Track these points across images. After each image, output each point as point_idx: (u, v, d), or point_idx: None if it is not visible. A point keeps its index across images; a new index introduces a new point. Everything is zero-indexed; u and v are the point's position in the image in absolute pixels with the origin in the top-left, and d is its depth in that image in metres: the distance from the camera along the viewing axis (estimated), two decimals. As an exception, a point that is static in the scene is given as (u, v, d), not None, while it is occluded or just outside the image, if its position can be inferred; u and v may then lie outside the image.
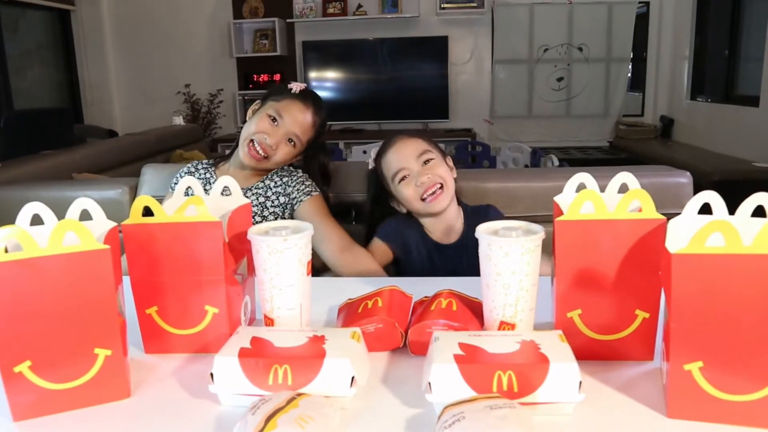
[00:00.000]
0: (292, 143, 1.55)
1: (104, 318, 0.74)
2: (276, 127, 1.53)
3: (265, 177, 1.60)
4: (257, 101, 1.64)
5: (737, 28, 4.66)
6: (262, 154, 1.53)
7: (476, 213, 1.50)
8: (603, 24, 5.52)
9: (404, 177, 1.41)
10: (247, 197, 1.55)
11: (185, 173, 1.66)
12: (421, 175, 1.39)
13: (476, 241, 1.49)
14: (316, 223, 1.36)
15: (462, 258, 1.45)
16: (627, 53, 5.58)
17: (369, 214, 1.57)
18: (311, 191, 1.57)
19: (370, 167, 1.52)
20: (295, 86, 1.60)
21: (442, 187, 1.40)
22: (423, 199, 1.40)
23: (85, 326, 0.73)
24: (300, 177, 1.59)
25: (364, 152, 4.09)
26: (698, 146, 4.88)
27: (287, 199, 1.57)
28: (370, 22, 5.56)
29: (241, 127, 1.63)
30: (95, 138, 4.35)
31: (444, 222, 1.47)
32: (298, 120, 1.55)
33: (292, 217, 1.57)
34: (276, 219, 1.56)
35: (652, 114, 5.76)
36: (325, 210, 1.55)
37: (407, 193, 1.41)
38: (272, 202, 1.57)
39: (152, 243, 0.85)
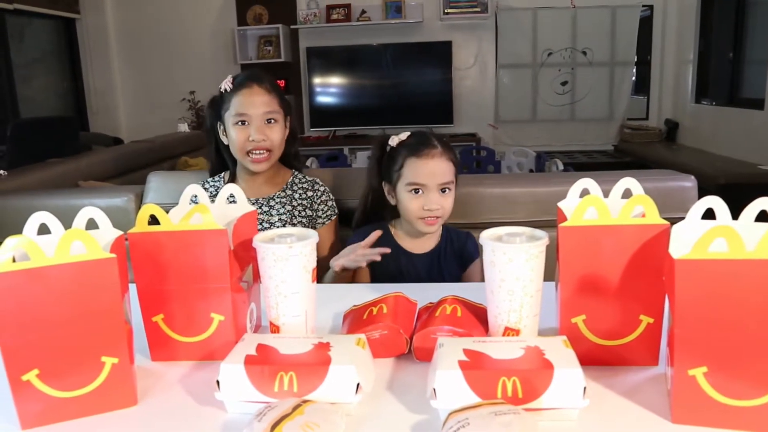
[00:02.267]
0: (272, 121, 1.56)
1: (111, 326, 0.75)
2: (249, 125, 1.53)
3: (285, 186, 1.63)
4: (219, 122, 1.61)
5: (742, 31, 4.66)
6: (265, 153, 1.55)
7: (455, 235, 1.52)
8: (607, 28, 5.52)
9: (418, 191, 1.41)
10: (271, 206, 1.58)
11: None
12: (433, 202, 1.39)
13: (447, 254, 1.48)
14: (332, 243, 1.61)
15: (430, 268, 1.48)
16: (631, 57, 5.58)
17: (367, 197, 1.56)
18: (332, 214, 1.65)
19: (390, 142, 1.47)
20: (225, 84, 1.59)
21: (440, 218, 1.43)
22: (420, 218, 1.41)
23: (92, 334, 0.74)
24: (323, 194, 1.64)
25: (369, 158, 4.08)
26: (703, 149, 4.87)
27: (313, 213, 1.62)
28: (373, 28, 5.58)
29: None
30: (101, 145, 4.37)
31: (424, 236, 1.49)
32: (255, 102, 1.54)
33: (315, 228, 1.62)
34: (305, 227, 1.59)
35: (656, 117, 5.75)
36: (336, 234, 1.66)
37: (411, 205, 1.41)
38: (299, 212, 1.61)
39: (158, 251, 0.86)
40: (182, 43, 5.80)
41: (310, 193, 1.62)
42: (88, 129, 5.57)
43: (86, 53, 5.65)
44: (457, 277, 1.51)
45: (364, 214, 1.57)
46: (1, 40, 4.64)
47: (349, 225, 1.75)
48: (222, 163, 1.68)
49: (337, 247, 1.59)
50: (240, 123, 1.53)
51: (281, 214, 1.59)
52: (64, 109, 5.51)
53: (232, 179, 1.66)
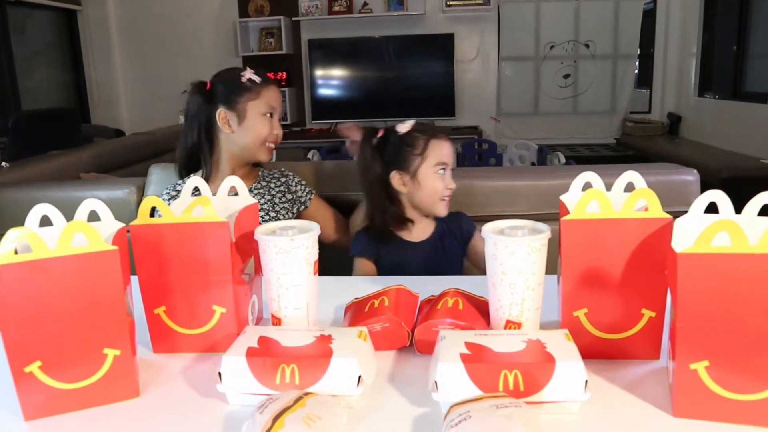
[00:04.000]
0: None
1: (113, 318, 0.75)
2: (272, 119, 1.61)
3: (258, 179, 1.67)
4: (220, 109, 1.58)
5: (745, 24, 4.63)
6: (274, 145, 1.64)
7: (448, 217, 1.53)
8: (610, 20, 5.49)
9: (444, 171, 1.45)
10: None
11: (168, 198, 1.66)
12: (452, 181, 1.46)
13: (447, 235, 1.50)
14: (329, 214, 1.70)
15: (435, 252, 1.50)
16: (634, 50, 5.55)
17: (376, 192, 1.49)
18: (311, 191, 1.72)
19: (399, 130, 1.46)
20: (251, 74, 1.60)
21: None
22: (441, 198, 1.45)
23: (94, 326, 0.74)
24: (294, 177, 1.71)
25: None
26: (706, 143, 4.85)
27: (293, 196, 1.67)
28: (375, 20, 5.56)
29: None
30: (102, 138, 4.37)
31: (424, 221, 1.51)
32: (280, 101, 1.64)
33: (299, 213, 1.67)
34: (287, 214, 1.65)
35: (659, 111, 5.73)
36: (324, 205, 1.73)
37: (437, 185, 1.44)
38: (279, 199, 1.65)
39: (160, 243, 0.86)
40: (183, 35, 5.78)
41: (283, 179, 1.69)
42: (90, 121, 5.56)
43: (87, 45, 5.63)
44: (462, 255, 1.54)
45: (375, 213, 1.50)
46: (3, 32, 4.63)
47: (348, 217, 1.76)
48: (196, 161, 1.65)
49: (337, 217, 1.69)
50: (269, 115, 1.60)
51: (262, 204, 1.62)
52: (65, 101, 5.50)
53: (207, 178, 1.61)
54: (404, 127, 1.47)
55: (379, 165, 1.47)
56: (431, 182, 1.44)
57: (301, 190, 1.69)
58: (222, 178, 1.58)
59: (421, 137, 1.45)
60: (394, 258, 1.47)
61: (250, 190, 1.63)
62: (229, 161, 1.62)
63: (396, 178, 1.46)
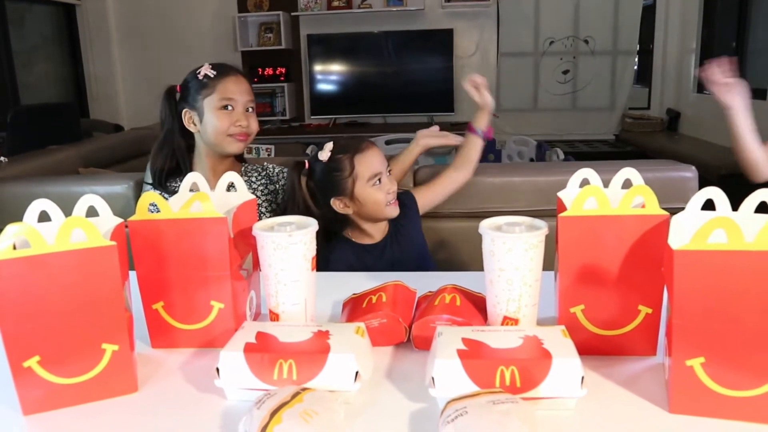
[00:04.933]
0: (250, 109, 1.62)
1: (111, 313, 0.75)
2: (234, 111, 1.58)
3: (241, 173, 1.68)
4: (185, 110, 1.60)
5: (745, 20, 4.63)
6: (245, 135, 1.60)
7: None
8: (609, 16, 5.49)
9: (380, 181, 1.45)
10: None
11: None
12: (391, 185, 1.46)
13: (399, 226, 1.52)
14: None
15: (395, 247, 1.52)
16: (633, 46, 5.55)
17: (325, 218, 1.49)
18: (284, 167, 1.70)
19: (321, 158, 1.45)
20: (207, 69, 1.60)
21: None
22: (387, 204, 1.46)
23: (93, 322, 0.74)
24: (275, 168, 1.71)
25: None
26: (705, 139, 4.86)
27: (276, 186, 1.68)
28: (375, 15, 5.55)
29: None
30: (101, 132, 4.36)
31: (381, 224, 1.53)
32: (241, 90, 1.60)
33: (284, 200, 1.62)
34: (271, 204, 1.66)
35: (658, 107, 5.73)
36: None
37: (378, 197, 1.44)
38: (261, 191, 1.66)
39: (158, 239, 0.86)
40: (182, 30, 5.77)
41: (264, 172, 1.69)
42: (89, 115, 5.55)
43: (86, 39, 5.62)
44: (419, 226, 1.59)
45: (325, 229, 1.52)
46: (1, 26, 4.61)
47: None
48: (174, 167, 1.64)
49: None
50: (225, 107, 1.57)
51: None
52: (64, 95, 5.49)
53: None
54: (325, 153, 1.45)
55: (318, 195, 1.49)
56: (371, 196, 1.44)
57: (280, 174, 1.69)
58: (204, 174, 1.60)
59: (344, 158, 1.43)
60: (367, 264, 1.48)
61: None
62: (207, 158, 1.63)
63: (337, 204, 1.47)
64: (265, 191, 1.67)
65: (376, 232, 1.53)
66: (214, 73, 1.59)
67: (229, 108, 1.57)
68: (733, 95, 1.66)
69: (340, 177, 1.44)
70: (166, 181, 1.63)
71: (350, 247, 1.51)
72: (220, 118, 1.56)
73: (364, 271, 1.35)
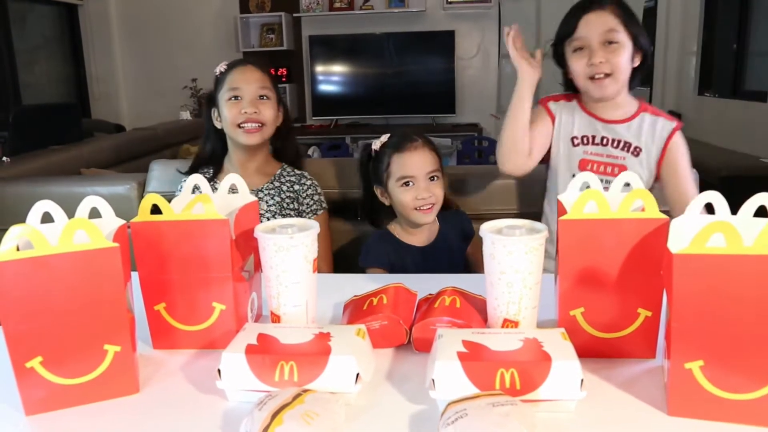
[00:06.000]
0: (264, 97, 1.60)
1: (113, 314, 0.75)
2: (242, 100, 1.58)
3: (273, 179, 1.65)
4: (213, 109, 1.65)
5: (746, 22, 4.63)
6: (257, 125, 1.58)
7: (448, 215, 1.57)
8: (610, 18, 5.49)
9: (408, 183, 1.46)
10: (260, 198, 1.60)
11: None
12: (424, 191, 1.45)
13: (449, 242, 1.52)
14: (322, 241, 1.47)
15: (435, 258, 1.52)
16: (634, 48, 5.54)
17: (365, 201, 1.61)
18: (318, 209, 1.66)
19: (374, 146, 1.53)
20: (219, 67, 1.64)
21: (434, 204, 1.47)
22: (416, 209, 1.46)
23: (95, 323, 0.74)
24: (309, 188, 1.66)
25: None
26: (705, 141, 4.85)
27: (299, 207, 1.65)
28: (376, 17, 5.55)
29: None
30: (103, 132, 4.37)
31: (424, 227, 1.53)
32: (248, 78, 1.59)
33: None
34: (286, 217, 1.62)
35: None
36: (324, 228, 1.64)
37: (404, 198, 1.46)
38: (287, 204, 1.63)
39: (160, 240, 0.86)
40: (184, 30, 5.78)
41: (296, 187, 1.65)
42: (90, 116, 5.56)
43: (88, 39, 5.63)
44: (463, 250, 1.58)
45: (365, 211, 1.63)
46: (3, 26, 4.62)
47: (348, 215, 1.76)
48: (209, 158, 1.70)
49: (324, 241, 1.61)
50: (233, 98, 1.58)
51: (270, 206, 1.61)
52: (65, 95, 5.51)
53: (218, 172, 1.68)
54: (377, 143, 1.52)
55: (366, 180, 1.56)
56: (398, 196, 1.48)
57: (307, 204, 1.65)
58: (233, 170, 1.64)
59: (386, 153, 1.49)
60: (406, 263, 1.49)
61: (261, 189, 1.63)
62: (235, 155, 1.65)
63: (378, 192, 1.54)
64: (292, 206, 1.63)
65: (419, 234, 1.53)
66: (225, 67, 1.62)
67: (237, 98, 1.57)
68: (531, 66, 1.53)
69: (380, 169, 1.50)
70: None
71: (392, 243, 1.52)
72: (229, 108, 1.58)
73: (403, 273, 1.41)
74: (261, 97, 1.59)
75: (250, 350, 0.74)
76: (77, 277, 0.72)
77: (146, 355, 0.89)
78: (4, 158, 2.59)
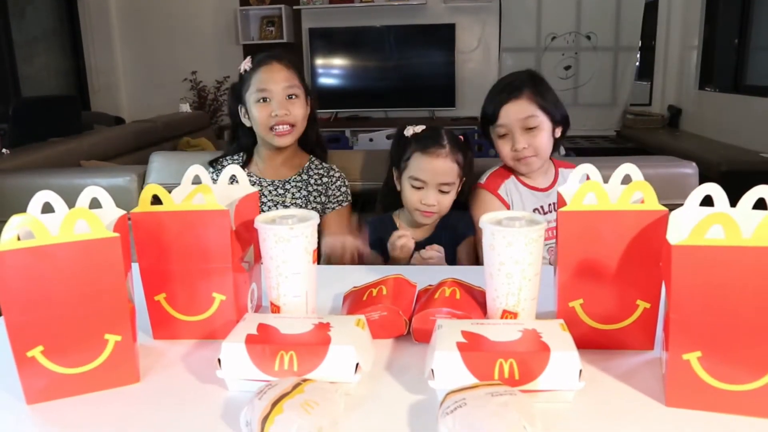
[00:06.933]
0: (293, 96, 1.58)
1: (114, 304, 0.76)
2: (271, 101, 1.55)
3: (301, 171, 1.64)
4: (240, 106, 1.63)
5: (747, 17, 4.62)
6: (288, 127, 1.57)
7: (452, 216, 1.54)
8: (611, 12, 5.47)
9: (418, 186, 1.45)
10: (287, 189, 1.60)
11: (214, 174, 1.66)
12: (430, 198, 1.45)
13: (440, 236, 1.51)
14: (339, 229, 1.57)
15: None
16: (635, 42, 5.53)
17: (387, 179, 1.59)
18: (343, 200, 1.65)
19: (406, 132, 1.52)
20: (244, 65, 1.62)
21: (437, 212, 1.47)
22: (417, 210, 1.47)
23: (96, 312, 0.75)
24: (337, 180, 1.65)
25: (371, 140, 4.07)
26: (706, 136, 4.85)
27: (326, 200, 1.63)
28: (377, 10, 5.54)
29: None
30: (102, 125, 4.36)
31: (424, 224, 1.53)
32: (276, 78, 1.56)
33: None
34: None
35: (659, 103, 5.72)
36: (348, 220, 1.65)
37: (410, 197, 1.47)
38: (314, 197, 1.62)
39: (161, 231, 0.86)
40: (184, 23, 5.76)
41: (325, 179, 1.64)
42: (90, 108, 5.55)
43: (88, 31, 5.61)
44: (453, 252, 1.55)
45: (383, 196, 1.62)
46: (3, 18, 4.61)
47: (368, 207, 1.76)
48: (239, 147, 1.70)
49: (344, 233, 1.59)
50: (262, 100, 1.55)
51: (296, 198, 1.60)
52: (65, 88, 5.49)
53: (248, 161, 1.68)
54: (410, 130, 1.52)
55: (392, 157, 1.55)
56: (406, 190, 1.48)
57: (334, 196, 1.64)
58: (261, 162, 1.65)
59: (411, 146, 1.48)
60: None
61: (288, 181, 1.62)
62: (263, 149, 1.65)
63: (395, 174, 1.54)
64: (319, 199, 1.62)
65: (419, 228, 1.53)
66: (250, 65, 1.59)
67: (267, 100, 1.55)
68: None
69: (402, 157, 1.49)
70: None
71: (388, 231, 1.49)
72: (259, 110, 1.56)
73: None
74: (290, 96, 1.56)
75: (250, 340, 0.74)
76: (78, 266, 0.73)
77: (147, 345, 0.89)
78: (4, 150, 2.59)
